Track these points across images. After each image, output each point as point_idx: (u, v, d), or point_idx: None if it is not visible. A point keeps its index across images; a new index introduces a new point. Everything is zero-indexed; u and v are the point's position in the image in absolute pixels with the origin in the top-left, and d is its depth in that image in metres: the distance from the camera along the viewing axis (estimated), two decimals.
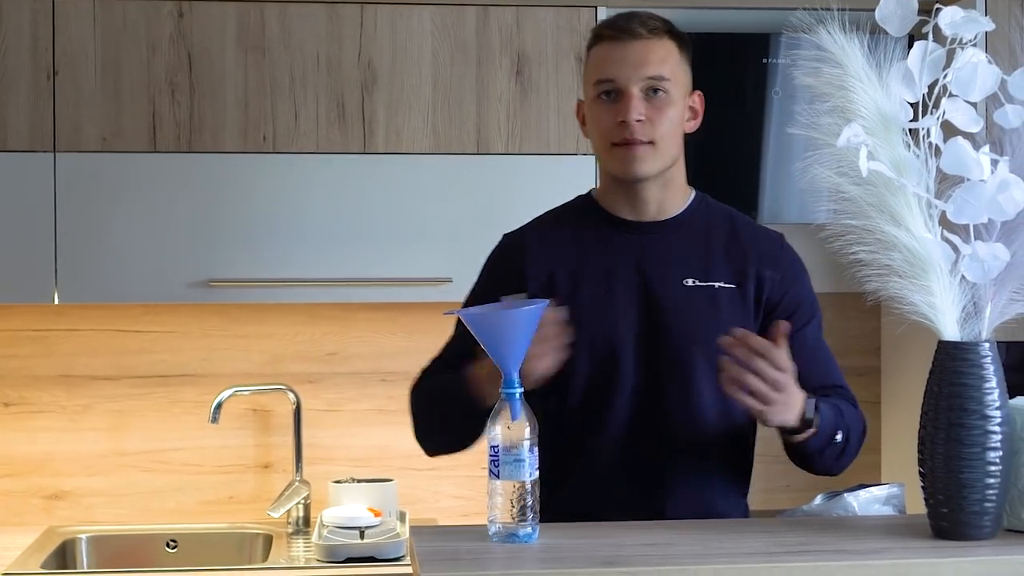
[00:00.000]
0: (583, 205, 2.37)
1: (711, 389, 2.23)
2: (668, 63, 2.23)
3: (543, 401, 2.31)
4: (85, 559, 3.33)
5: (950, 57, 1.89)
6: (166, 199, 3.15)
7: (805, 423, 2.13)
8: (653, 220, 2.30)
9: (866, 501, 2.15)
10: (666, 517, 2.19)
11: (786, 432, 2.15)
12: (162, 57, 3.14)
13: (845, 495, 2.16)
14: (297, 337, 3.52)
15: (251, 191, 3.17)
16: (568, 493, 2.26)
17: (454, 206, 3.21)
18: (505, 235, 2.41)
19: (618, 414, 2.25)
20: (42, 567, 3.07)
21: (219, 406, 3.33)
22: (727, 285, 2.28)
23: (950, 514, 1.88)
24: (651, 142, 2.22)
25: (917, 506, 1.98)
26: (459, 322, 2.36)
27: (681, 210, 2.32)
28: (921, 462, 1.90)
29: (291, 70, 3.17)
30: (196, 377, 3.48)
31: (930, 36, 1.88)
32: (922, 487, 1.91)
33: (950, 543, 1.87)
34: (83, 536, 3.35)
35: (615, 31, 2.24)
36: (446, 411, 2.27)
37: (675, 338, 2.25)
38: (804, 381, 2.23)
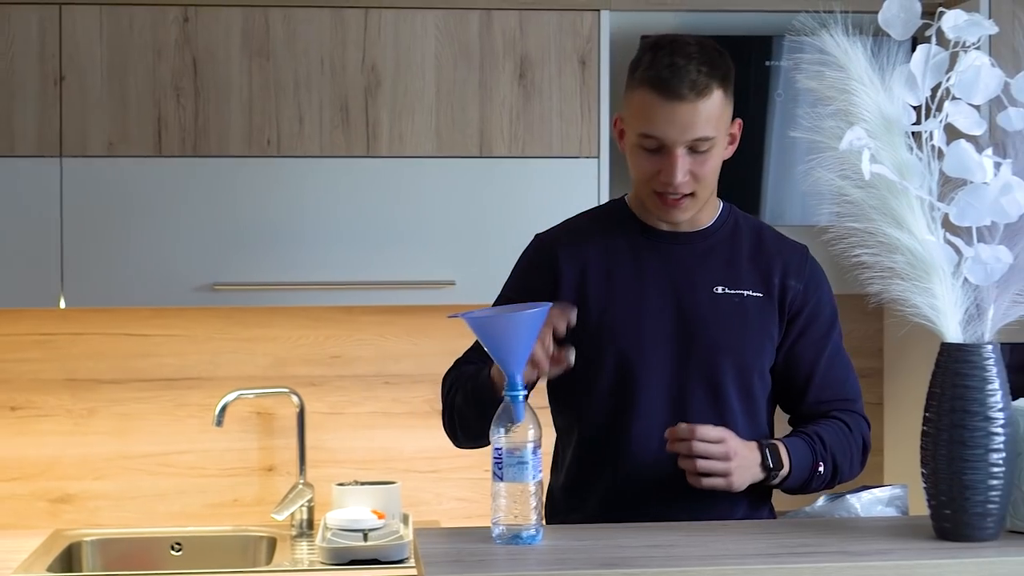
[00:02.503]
0: (616, 210, 2.39)
1: (738, 394, 2.28)
2: (713, 119, 2.21)
3: (569, 404, 2.34)
4: (91, 562, 3.33)
5: (953, 60, 1.89)
6: (171, 203, 3.16)
7: (771, 469, 2.20)
8: (685, 231, 2.33)
9: (869, 502, 2.16)
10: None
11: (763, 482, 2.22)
12: (167, 62, 3.15)
13: (848, 496, 2.17)
14: (301, 340, 3.53)
15: (256, 195, 3.17)
16: (597, 496, 2.29)
17: (457, 209, 3.22)
18: (537, 235, 2.43)
19: (645, 418, 2.26)
20: (48, 570, 3.07)
21: (223, 409, 3.34)
22: (755, 294, 2.30)
23: (953, 515, 1.88)
24: (692, 194, 2.25)
25: (920, 507, 1.99)
26: None
27: (711, 222, 2.35)
28: (924, 463, 1.91)
29: (295, 74, 3.18)
30: (201, 380, 3.49)
31: (933, 39, 1.89)
32: (925, 488, 1.92)
33: (953, 544, 1.88)
34: (89, 539, 3.36)
35: (663, 90, 2.18)
36: (469, 406, 2.27)
37: (705, 343, 2.27)
38: (816, 394, 2.32)
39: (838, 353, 2.37)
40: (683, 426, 2.15)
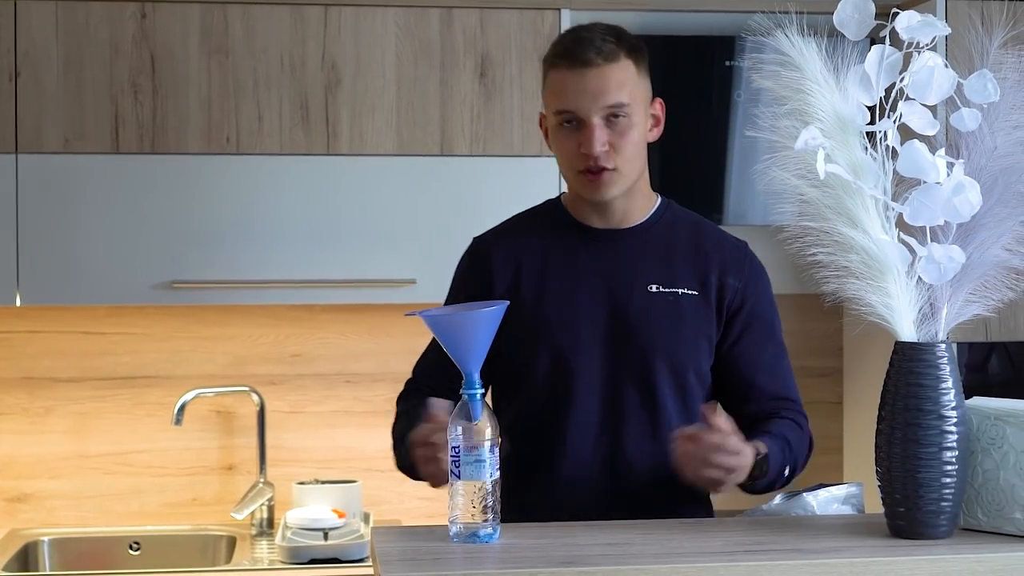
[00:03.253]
0: (552, 210, 2.38)
1: (673, 394, 2.27)
2: (626, 86, 2.22)
3: (506, 403, 2.33)
4: (47, 562, 3.31)
5: (907, 61, 1.90)
6: (129, 201, 3.14)
7: (753, 476, 2.15)
8: (619, 228, 2.32)
9: (825, 500, 2.17)
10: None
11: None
12: (125, 58, 3.13)
13: (804, 495, 2.18)
14: (261, 339, 3.51)
15: (214, 193, 3.16)
16: (534, 495, 2.27)
17: (418, 208, 3.21)
18: (475, 238, 2.42)
19: (580, 426, 2.26)
20: (4, 570, 3.05)
21: (183, 408, 3.32)
22: (690, 292, 2.29)
23: (907, 513, 1.89)
24: (615, 168, 2.23)
25: (876, 505, 2.00)
26: (431, 339, 2.33)
27: (646, 217, 2.33)
28: (878, 462, 1.92)
29: (255, 72, 3.16)
30: (159, 379, 3.46)
31: (887, 40, 1.90)
32: (879, 487, 1.93)
33: (907, 542, 1.89)
34: (45, 539, 3.34)
35: (570, 60, 2.21)
36: (403, 468, 2.26)
37: (638, 343, 2.26)
38: (763, 392, 2.31)
39: (782, 352, 2.36)
40: (713, 438, 2.05)
